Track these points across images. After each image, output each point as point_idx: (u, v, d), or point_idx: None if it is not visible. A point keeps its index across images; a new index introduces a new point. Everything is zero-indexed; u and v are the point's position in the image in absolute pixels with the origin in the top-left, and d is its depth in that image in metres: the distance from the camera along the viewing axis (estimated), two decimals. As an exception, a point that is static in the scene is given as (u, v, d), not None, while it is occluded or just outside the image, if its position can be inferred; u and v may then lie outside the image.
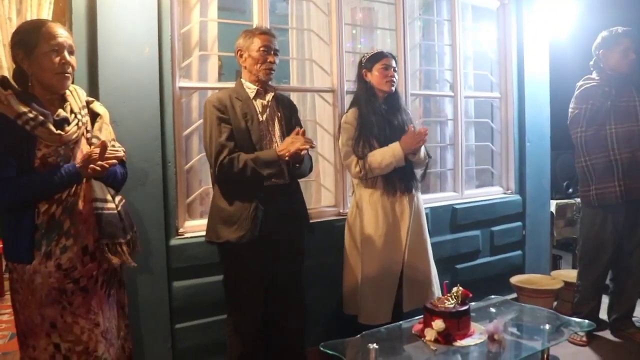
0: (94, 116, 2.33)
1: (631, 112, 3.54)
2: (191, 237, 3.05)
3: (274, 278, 2.82)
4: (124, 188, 2.44)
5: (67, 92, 2.26)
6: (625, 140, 3.51)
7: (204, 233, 2.86)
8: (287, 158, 2.65)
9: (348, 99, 3.54)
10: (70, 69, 2.19)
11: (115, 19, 2.75)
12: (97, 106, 2.38)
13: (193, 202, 3.19)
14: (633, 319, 3.81)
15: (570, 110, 3.70)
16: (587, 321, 2.94)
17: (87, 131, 2.29)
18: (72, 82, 2.27)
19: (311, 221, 3.08)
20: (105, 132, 2.33)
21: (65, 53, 2.16)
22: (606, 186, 3.56)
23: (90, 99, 2.38)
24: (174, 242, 3.00)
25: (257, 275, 2.76)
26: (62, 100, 2.24)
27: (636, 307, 3.81)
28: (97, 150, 2.16)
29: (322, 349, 2.53)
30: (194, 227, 3.10)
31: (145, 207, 2.85)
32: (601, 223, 3.64)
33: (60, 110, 2.18)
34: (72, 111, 2.22)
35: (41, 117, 2.08)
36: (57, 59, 2.14)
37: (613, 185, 3.54)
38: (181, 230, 3.06)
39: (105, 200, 2.23)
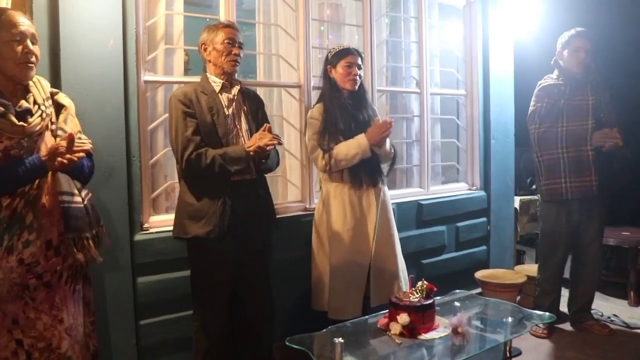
0: (58, 108, 2.29)
1: (583, 111, 3.65)
2: (156, 232, 3.02)
3: (241, 273, 2.81)
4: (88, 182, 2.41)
5: (31, 83, 2.20)
6: (574, 139, 3.63)
7: (169, 228, 2.84)
8: (252, 153, 2.65)
9: (315, 95, 3.54)
10: (33, 59, 2.13)
11: (78, 10, 2.69)
12: (62, 97, 2.33)
13: (158, 197, 3.16)
14: (592, 311, 3.92)
15: (530, 107, 3.79)
16: (547, 314, 3.00)
17: (52, 123, 2.24)
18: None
19: (278, 216, 3.08)
20: (70, 124, 2.28)
21: (28, 42, 2.11)
22: (554, 182, 3.68)
23: (55, 90, 2.33)
24: (138, 237, 2.96)
25: (224, 270, 2.74)
26: (26, 92, 2.18)
27: (594, 299, 3.92)
28: (64, 142, 2.12)
29: (288, 343, 2.53)
30: (159, 222, 3.07)
31: (110, 202, 2.81)
32: (556, 217, 3.75)
33: (22, 102, 2.13)
34: (35, 102, 2.17)
35: (1, 108, 2.03)
36: (19, 48, 2.08)
37: (559, 181, 3.65)
38: (146, 225, 3.03)
39: (72, 194, 2.19)
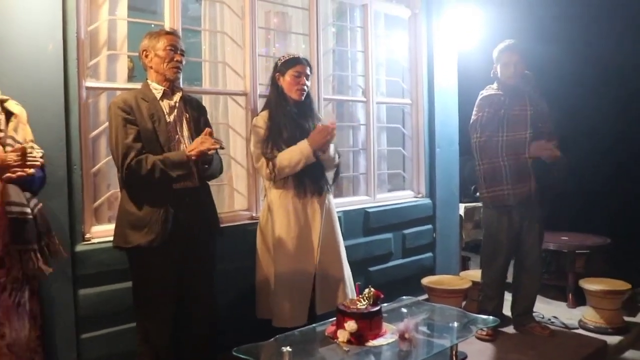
0: (8, 115, 2.21)
1: (522, 121, 3.75)
2: (98, 243, 2.94)
3: (185, 283, 2.77)
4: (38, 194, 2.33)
5: None
6: (512, 147, 3.72)
7: (111, 238, 2.76)
8: (194, 158, 2.62)
9: (261, 103, 3.52)
10: None
11: (13, 13, 2.61)
12: (12, 105, 2.26)
13: (100, 206, 3.08)
14: (533, 313, 4.02)
15: (472, 116, 3.88)
16: (492, 318, 3.06)
17: (0, 130, 2.16)
18: None
19: (224, 225, 3.06)
20: (21, 132, 2.22)
21: None
22: (497, 189, 3.76)
23: (5, 97, 2.26)
24: (80, 247, 2.88)
25: (167, 280, 2.69)
26: None
27: (536, 302, 4.03)
28: (14, 155, 2.03)
29: (235, 354, 2.50)
30: (102, 233, 2.99)
31: (50, 212, 2.68)
32: (497, 223, 3.83)
33: None
34: None
35: None
36: None
37: (502, 188, 3.74)
38: (88, 235, 2.95)
39: (21, 204, 2.12)
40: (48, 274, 2.23)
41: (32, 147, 2.17)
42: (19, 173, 2.04)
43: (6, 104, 2.24)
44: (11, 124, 2.22)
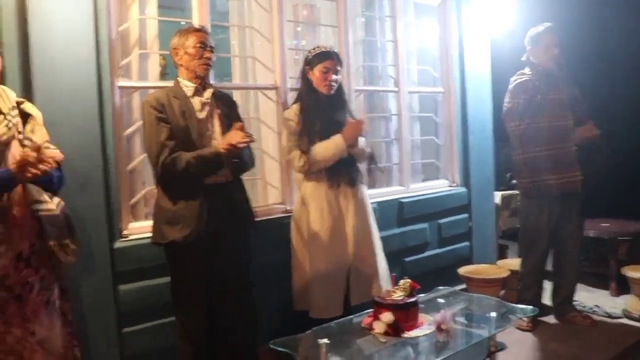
0: (25, 117, 2.25)
1: (561, 106, 3.68)
2: (136, 239, 2.98)
3: (222, 277, 2.80)
4: (64, 191, 2.37)
5: None
6: (557, 134, 3.65)
7: (149, 234, 2.81)
8: (224, 151, 2.64)
9: (291, 96, 3.53)
10: None
11: (48, 17, 2.65)
12: (29, 107, 2.29)
13: (137, 203, 3.13)
14: (574, 302, 3.95)
15: (504, 104, 3.82)
16: (530, 307, 3.01)
17: (19, 132, 2.20)
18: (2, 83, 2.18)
19: (258, 219, 3.07)
20: (38, 133, 2.25)
21: None
22: (542, 179, 3.68)
23: (21, 99, 2.29)
24: (118, 244, 2.93)
25: (202, 274, 2.73)
26: None
27: (577, 290, 3.95)
28: (32, 153, 2.07)
29: (272, 346, 2.52)
30: (139, 229, 3.03)
31: (87, 210, 2.77)
32: (538, 213, 3.76)
33: None
34: (0, 112, 2.14)
35: None
36: None
37: (548, 177, 3.66)
38: (125, 232, 2.99)
39: (45, 202, 2.16)
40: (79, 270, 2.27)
41: (47, 147, 2.20)
42: (35, 171, 2.06)
43: (22, 106, 2.26)
44: (28, 126, 2.25)
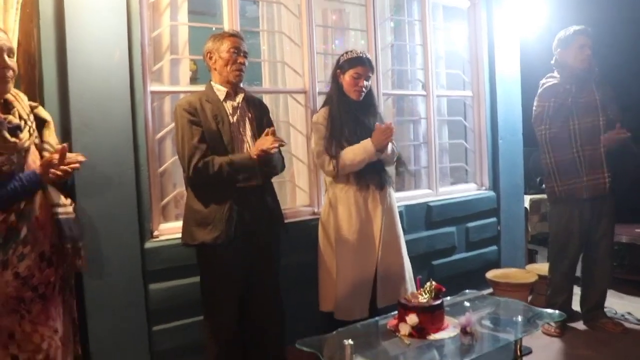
0: (39, 122, 2.28)
1: (592, 108, 3.63)
2: (166, 240, 3.06)
3: (251, 279, 2.84)
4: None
5: (11, 97, 2.17)
6: (588, 137, 3.61)
7: (179, 235, 2.87)
8: (255, 157, 2.68)
9: (320, 100, 3.56)
10: (10, 73, 2.11)
11: (84, 24, 2.74)
12: (42, 111, 2.32)
13: (167, 204, 3.20)
14: (604, 309, 3.88)
15: (533, 108, 3.79)
16: (557, 312, 2.98)
17: (36, 137, 2.23)
18: (15, 86, 2.19)
19: (287, 221, 3.11)
20: (53, 137, 2.30)
21: (5, 56, 2.08)
22: (572, 182, 3.65)
23: (34, 104, 2.32)
24: (149, 245, 3.00)
25: (232, 276, 2.77)
26: (6, 106, 2.15)
27: (607, 297, 3.89)
28: (57, 155, 2.12)
29: (298, 346, 2.55)
30: (169, 230, 3.11)
31: (119, 211, 2.85)
32: (568, 217, 3.72)
33: (10, 117, 2.11)
34: (20, 117, 2.15)
35: None
36: None
37: (578, 181, 3.63)
38: (156, 233, 3.07)
39: (64, 205, 2.21)
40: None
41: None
42: (63, 168, 2.10)
43: (36, 111, 2.28)
44: (46, 131, 2.28)
